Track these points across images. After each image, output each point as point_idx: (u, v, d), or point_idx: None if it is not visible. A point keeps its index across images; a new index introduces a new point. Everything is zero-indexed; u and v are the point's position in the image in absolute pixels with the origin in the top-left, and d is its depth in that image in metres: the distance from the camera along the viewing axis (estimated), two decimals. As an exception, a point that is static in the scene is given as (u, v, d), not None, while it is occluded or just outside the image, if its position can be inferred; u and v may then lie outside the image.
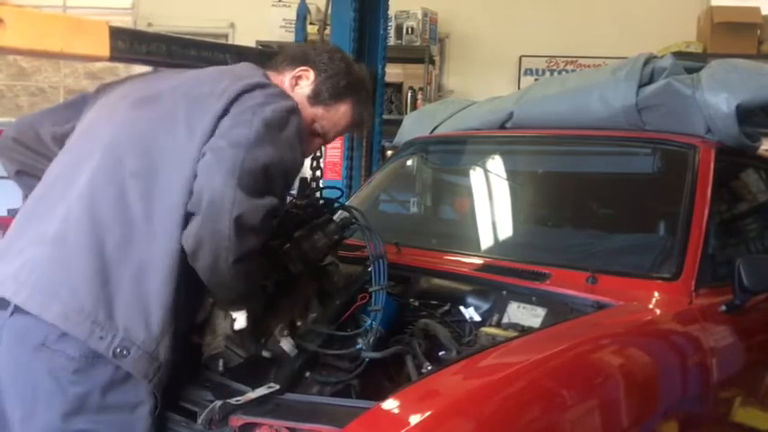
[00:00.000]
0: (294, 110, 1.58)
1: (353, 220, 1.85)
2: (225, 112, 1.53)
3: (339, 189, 2.00)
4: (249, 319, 1.59)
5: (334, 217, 1.87)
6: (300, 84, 1.76)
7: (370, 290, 1.75)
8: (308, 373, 1.66)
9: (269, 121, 1.50)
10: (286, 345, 1.66)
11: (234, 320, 1.58)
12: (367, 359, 1.66)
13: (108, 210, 1.48)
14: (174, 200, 1.48)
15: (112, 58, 1.80)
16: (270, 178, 1.47)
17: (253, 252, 1.47)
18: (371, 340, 1.67)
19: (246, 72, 1.69)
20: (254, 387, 1.50)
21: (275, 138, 1.50)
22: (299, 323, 1.76)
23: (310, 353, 1.68)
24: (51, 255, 1.47)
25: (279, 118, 1.53)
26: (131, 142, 1.56)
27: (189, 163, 1.49)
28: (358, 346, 1.68)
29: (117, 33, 1.78)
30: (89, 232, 1.46)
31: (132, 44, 1.84)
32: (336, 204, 1.93)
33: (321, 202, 1.91)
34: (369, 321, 1.69)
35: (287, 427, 1.32)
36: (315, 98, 1.75)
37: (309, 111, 1.75)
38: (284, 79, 1.76)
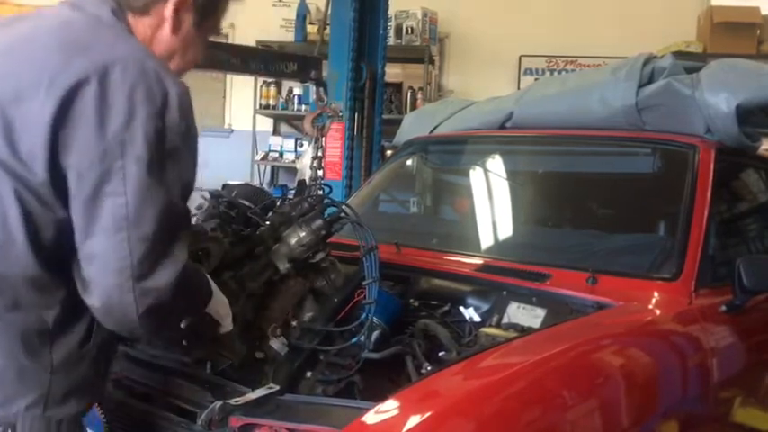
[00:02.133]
0: (173, 100, 1.18)
1: (341, 216, 1.83)
2: (54, 134, 1.11)
3: (328, 186, 1.98)
4: (237, 321, 1.58)
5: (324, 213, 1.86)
6: (181, 14, 1.33)
7: (363, 283, 1.75)
8: (309, 373, 1.66)
9: (149, 153, 1.14)
10: (276, 344, 1.65)
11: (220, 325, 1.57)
12: (363, 353, 1.65)
13: None
14: None
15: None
16: (169, 227, 1.19)
17: (178, 310, 1.30)
18: (369, 334, 1.67)
19: (90, 31, 1.23)
20: (253, 388, 1.49)
21: (162, 168, 1.17)
22: (293, 323, 1.75)
23: (308, 352, 1.67)
24: None
25: (160, 132, 1.16)
26: None
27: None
28: (353, 340, 1.67)
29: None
30: None
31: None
32: (325, 201, 1.91)
33: (310, 199, 1.90)
34: (364, 314, 1.69)
35: (287, 428, 1.32)
36: (202, 17, 1.37)
37: (198, 35, 1.39)
38: (155, 24, 1.32)
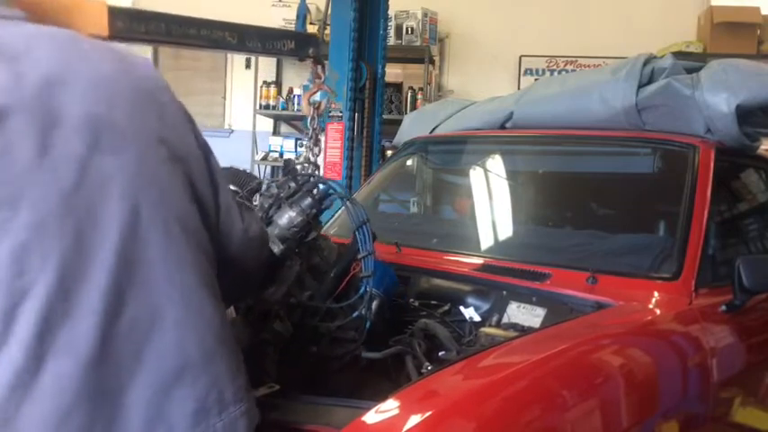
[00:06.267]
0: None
1: (330, 192, 1.82)
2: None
3: (315, 165, 1.97)
4: (239, 308, 1.58)
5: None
6: None
7: (358, 257, 1.74)
8: (314, 349, 1.66)
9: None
10: (279, 326, 1.65)
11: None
12: (369, 324, 1.67)
13: None
14: None
15: (111, 38, 1.78)
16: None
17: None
18: (369, 305, 1.68)
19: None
20: (254, 387, 1.49)
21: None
22: (292, 300, 1.75)
23: (311, 329, 1.67)
24: None
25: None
26: None
27: None
28: (355, 315, 1.68)
29: (116, 13, 1.77)
30: None
31: (131, 23, 1.82)
32: (312, 179, 1.89)
33: (297, 178, 1.88)
34: (362, 288, 1.69)
35: (287, 427, 1.32)
36: None
37: None
38: None
